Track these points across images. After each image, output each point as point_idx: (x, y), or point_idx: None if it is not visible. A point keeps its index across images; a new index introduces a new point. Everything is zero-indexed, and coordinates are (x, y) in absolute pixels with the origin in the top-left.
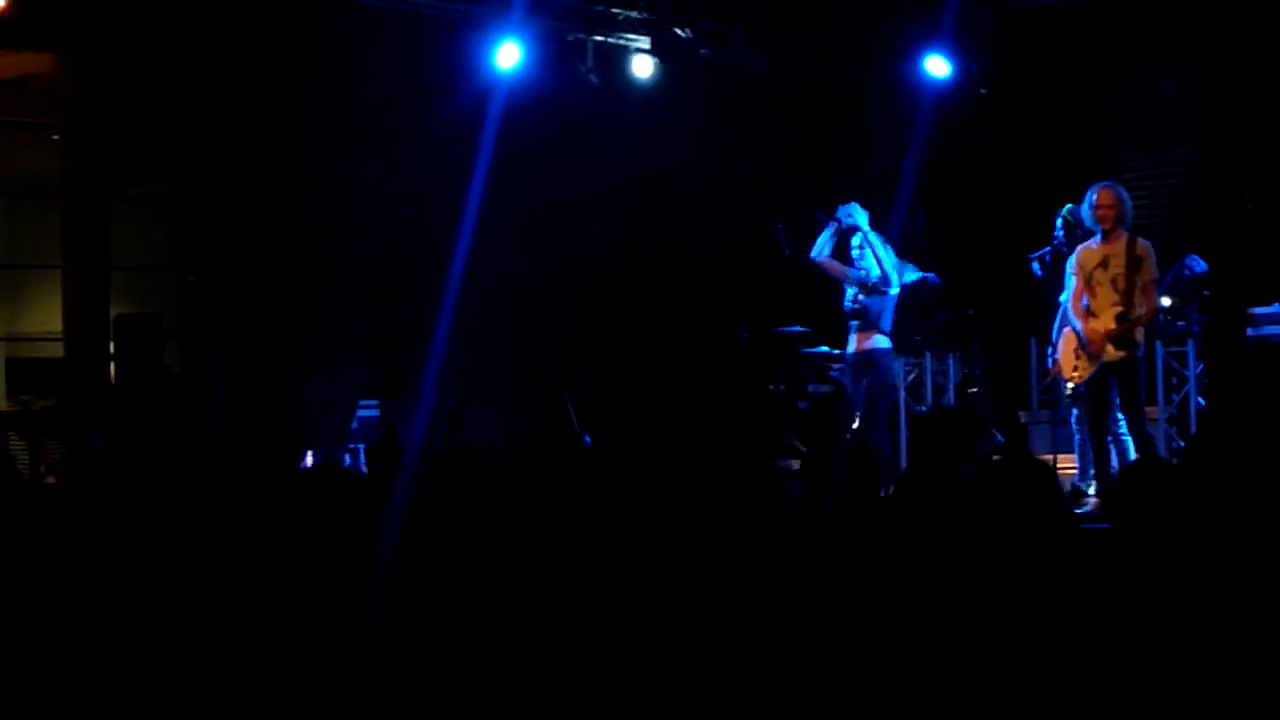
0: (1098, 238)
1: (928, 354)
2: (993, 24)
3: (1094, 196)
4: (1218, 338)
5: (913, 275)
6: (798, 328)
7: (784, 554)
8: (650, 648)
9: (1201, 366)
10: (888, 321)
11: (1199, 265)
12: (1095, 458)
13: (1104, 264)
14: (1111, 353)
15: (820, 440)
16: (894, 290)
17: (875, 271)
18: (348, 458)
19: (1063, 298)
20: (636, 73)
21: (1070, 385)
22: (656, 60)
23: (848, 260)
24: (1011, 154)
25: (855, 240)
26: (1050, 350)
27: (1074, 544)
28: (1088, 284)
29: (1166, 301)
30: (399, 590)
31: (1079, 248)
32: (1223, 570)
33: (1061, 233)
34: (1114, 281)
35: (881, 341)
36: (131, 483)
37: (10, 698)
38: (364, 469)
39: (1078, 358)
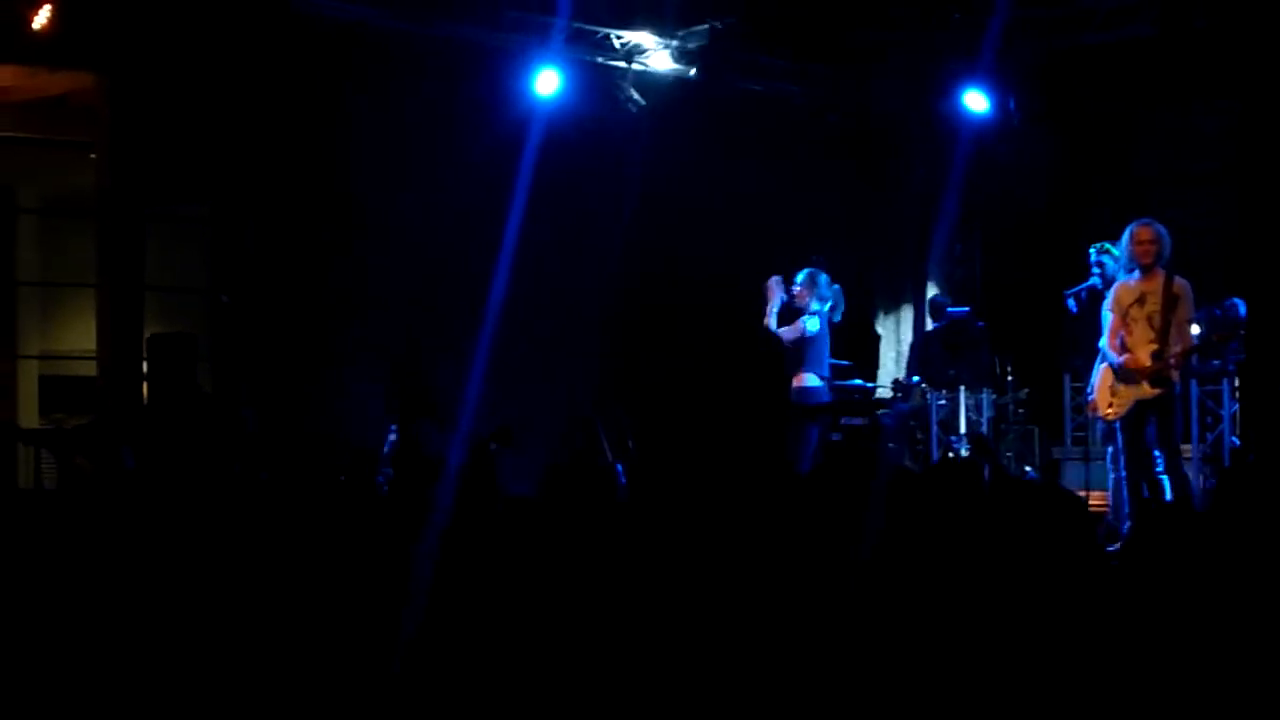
0: (1135, 274)
1: (961, 388)
2: (1032, 60)
3: (1135, 232)
4: (1254, 377)
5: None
6: (833, 360)
7: (813, 579)
8: (677, 677)
9: (1236, 406)
10: (814, 362)
11: (1238, 305)
12: (1130, 496)
13: (1141, 300)
14: (1147, 390)
15: (855, 472)
16: (809, 333)
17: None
18: (380, 479)
19: (1101, 342)
20: (654, 65)
21: (1104, 421)
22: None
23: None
24: (1049, 190)
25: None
26: (1088, 392)
27: (1101, 578)
28: (1124, 320)
29: (1195, 329)
30: (430, 616)
31: (1116, 284)
32: (1252, 608)
33: (1098, 270)
34: (1150, 319)
35: (810, 380)
36: (162, 501)
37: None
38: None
39: (1113, 394)
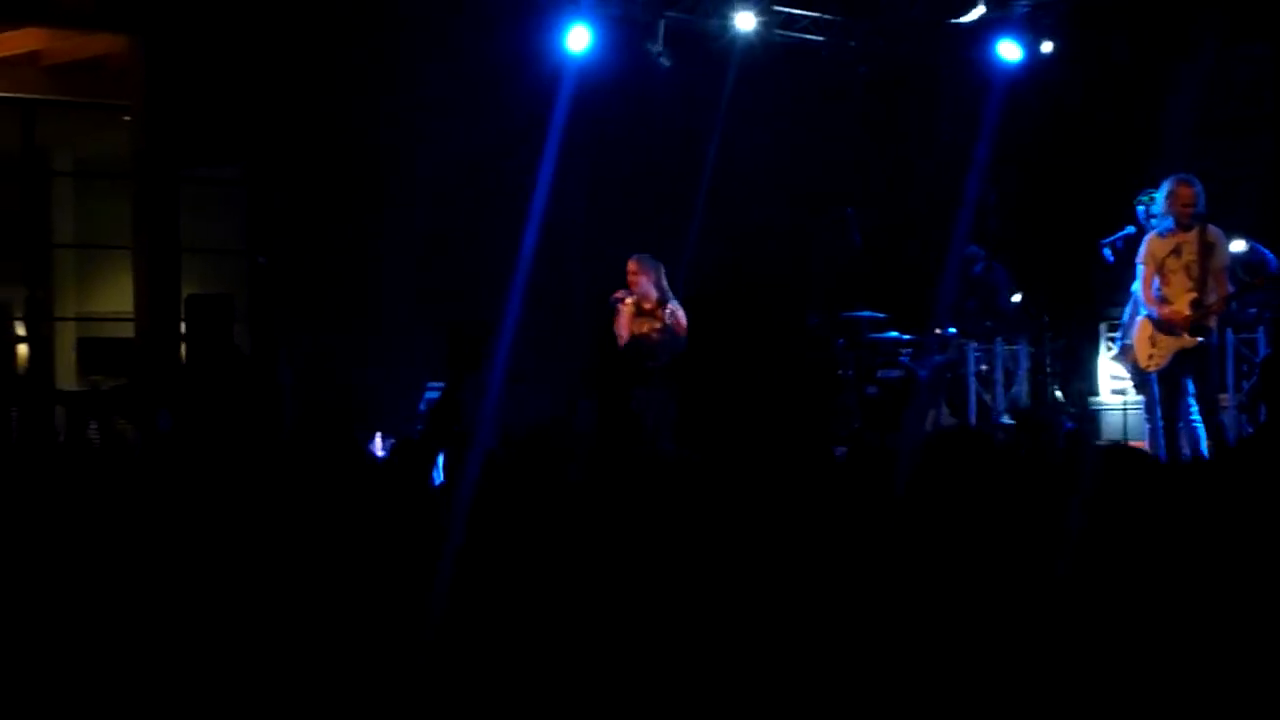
0: (1168, 224)
1: (998, 339)
2: (1064, 6)
3: (1175, 189)
4: None
5: None
6: (867, 313)
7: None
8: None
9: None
10: None
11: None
12: (1167, 445)
13: (1176, 251)
14: (1187, 340)
15: (890, 424)
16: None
17: None
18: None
19: (1134, 287)
20: (739, 26)
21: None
22: (757, 14)
23: None
24: (1083, 138)
25: None
26: (1120, 337)
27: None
28: (1160, 271)
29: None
30: (464, 587)
31: (1148, 235)
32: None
33: (1143, 214)
34: (1187, 268)
35: None
36: (198, 463)
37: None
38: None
39: (1153, 345)
